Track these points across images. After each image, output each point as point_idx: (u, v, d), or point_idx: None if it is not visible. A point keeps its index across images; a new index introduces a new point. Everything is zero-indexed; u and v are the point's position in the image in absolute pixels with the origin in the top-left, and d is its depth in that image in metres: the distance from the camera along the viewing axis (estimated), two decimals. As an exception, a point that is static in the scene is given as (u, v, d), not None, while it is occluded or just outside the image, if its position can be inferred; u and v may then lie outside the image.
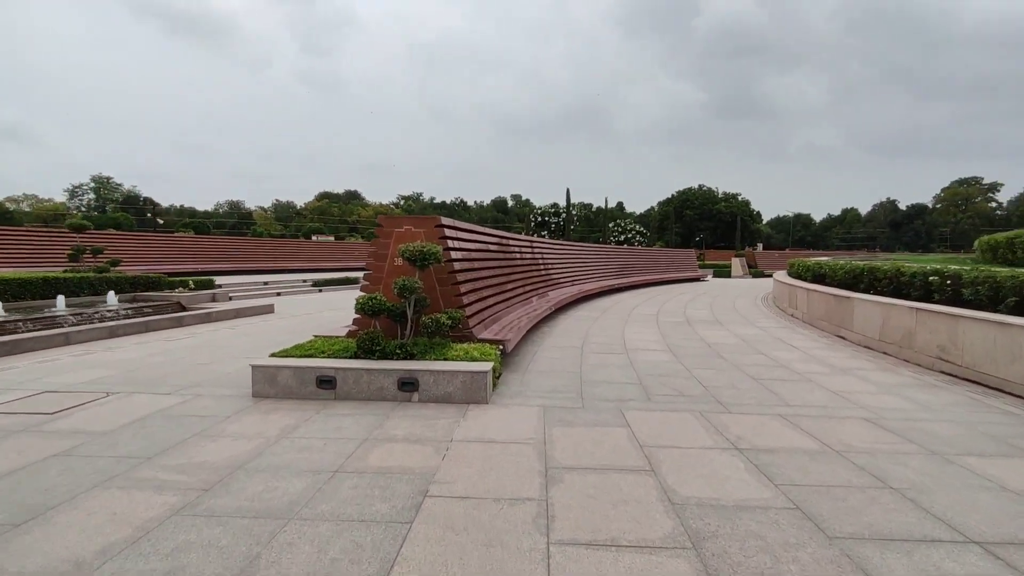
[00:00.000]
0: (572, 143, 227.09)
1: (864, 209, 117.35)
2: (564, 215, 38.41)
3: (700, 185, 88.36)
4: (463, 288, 6.94)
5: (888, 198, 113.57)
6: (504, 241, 10.39)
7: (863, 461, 3.72)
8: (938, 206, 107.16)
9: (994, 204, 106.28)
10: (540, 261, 13.14)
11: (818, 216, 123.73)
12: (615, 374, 6.55)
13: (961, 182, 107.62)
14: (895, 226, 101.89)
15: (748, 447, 3.97)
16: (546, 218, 39.70)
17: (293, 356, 5.66)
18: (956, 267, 7.78)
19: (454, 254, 7.03)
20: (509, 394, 5.44)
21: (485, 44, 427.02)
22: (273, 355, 5.73)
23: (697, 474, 3.47)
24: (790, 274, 16.25)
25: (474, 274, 7.76)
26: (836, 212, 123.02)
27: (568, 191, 36.50)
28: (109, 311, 10.60)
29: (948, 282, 7.26)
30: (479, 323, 7.22)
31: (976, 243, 27.82)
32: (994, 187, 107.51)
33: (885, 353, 7.91)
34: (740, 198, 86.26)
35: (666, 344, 8.67)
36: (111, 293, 11.84)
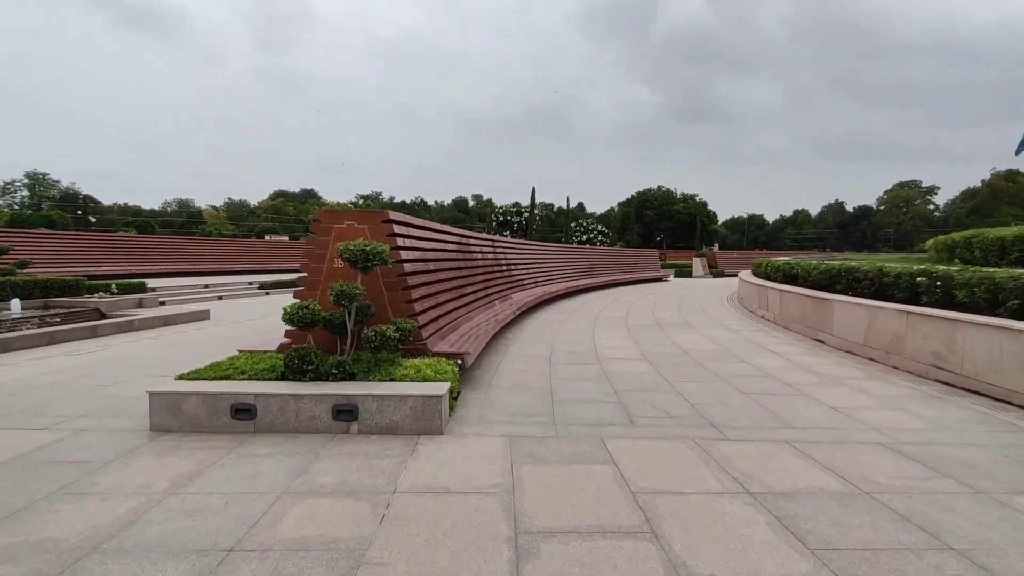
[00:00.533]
0: (534, 144, 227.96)
1: (814, 210, 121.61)
2: (527, 214, 37.73)
3: (659, 186, 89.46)
4: (416, 294, 6.03)
5: (836, 200, 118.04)
6: (464, 240, 9.53)
7: (902, 507, 3.05)
8: (881, 208, 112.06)
9: (932, 206, 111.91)
10: (503, 262, 12.34)
11: (771, 217, 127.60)
12: (590, 389, 5.80)
13: (902, 185, 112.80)
14: (843, 227, 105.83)
15: (762, 490, 3.26)
16: (508, 217, 38.96)
17: (206, 378, 4.66)
18: (943, 267, 7.38)
19: (405, 254, 6.11)
20: (469, 420, 4.60)
21: (447, 43, 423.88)
22: (180, 377, 4.71)
23: (710, 535, 2.72)
24: (756, 274, 15.97)
25: (429, 277, 6.86)
26: (788, 213, 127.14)
27: (533, 189, 35.99)
28: (8, 320, 9.21)
29: (938, 283, 6.82)
30: (434, 333, 6.34)
31: (930, 242, 28.57)
32: (932, 190, 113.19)
33: (871, 359, 7.44)
34: (698, 199, 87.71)
35: (640, 352, 8.00)
36: (15, 299, 10.38)
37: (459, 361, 5.53)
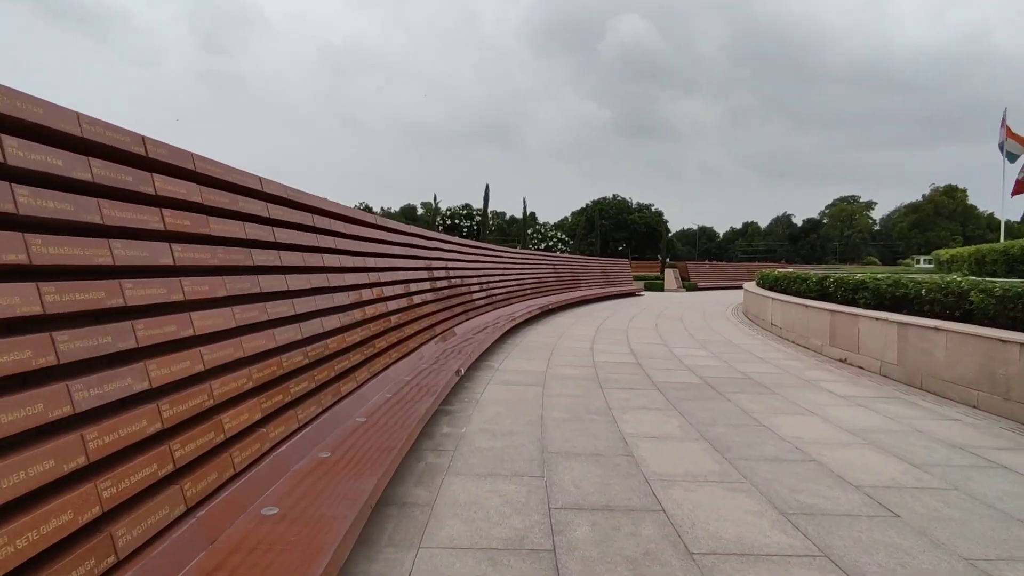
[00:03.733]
0: (483, 155, 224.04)
1: (763, 223, 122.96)
2: (479, 217, 32.94)
3: (614, 195, 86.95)
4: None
5: (784, 213, 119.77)
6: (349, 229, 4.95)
7: None
8: (825, 221, 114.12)
9: (871, 220, 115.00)
10: (440, 271, 7.77)
11: (720, 229, 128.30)
12: None
13: (842, 199, 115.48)
14: (793, 239, 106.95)
15: None
16: (457, 221, 34.21)
17: None
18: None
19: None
20: None
21: (396, 52, 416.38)
22: None
23: None
24: (783, 291, 12.02)
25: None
26: (733, 226, 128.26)
27: (487, 187, 31.01)
28: None
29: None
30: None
31: (934, 254, 26.03)
32: (869, 205, 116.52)
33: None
34: (653, 209, 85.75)
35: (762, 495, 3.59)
36: None
37: None
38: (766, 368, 7.44)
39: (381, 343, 4.57)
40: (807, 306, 9.45)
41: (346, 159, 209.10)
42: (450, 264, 8.20)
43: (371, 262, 4.90)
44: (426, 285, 6.68)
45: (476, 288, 9.52)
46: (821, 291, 10.02)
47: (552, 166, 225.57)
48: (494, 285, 10.95)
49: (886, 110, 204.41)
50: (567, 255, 22.25)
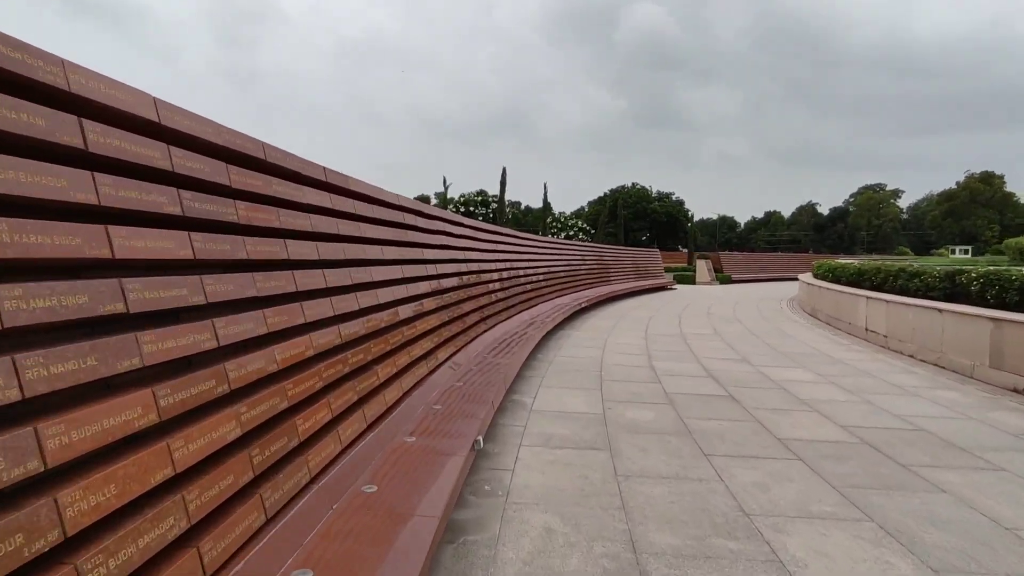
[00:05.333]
0: (500, 146, 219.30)
1: (786, 213, 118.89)
2: (495, 204, 30.24)
3: (633, 183, 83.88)
4: None
5: (809, 202, 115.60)
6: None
7: None
8: (852, 210, 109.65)
9: (899, 209, 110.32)
10: (463, 270, 5.54)
11: (741, 219, 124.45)
12: None
13: (868, 188, 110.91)
14: (819, 229, 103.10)
15: None
16: (472, 208, 31.62)
17: None
18: None
19: None
20: None
21: (414, 44, 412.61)
22: None
23: None
24: (878, 288, 9.61)
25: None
26: (754, 216, 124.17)
27: (504, 171, 28.23)
28: None
29: None
30: None
31: (1005, 243, 23.26)
32: (896, 193, 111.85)
33: None
34: (674, 197, 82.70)
35: None
36: None
37: None
38: (924, 408, 5.10)
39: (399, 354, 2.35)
40: (939, 310, 7.05)
41: (362, 149, 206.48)
42: (469, 256, 5.95)
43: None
44: (426, 287, 4.43)
45: (496, 286, 7.27)
46: (950, 288, 7.62)
47: (568, 156, 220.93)
48: (516, 281, 8.68)
49: (909, 96, 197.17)
50: (596, 245, 19.89)
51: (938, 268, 8.23)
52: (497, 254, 7.73)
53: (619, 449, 3.78)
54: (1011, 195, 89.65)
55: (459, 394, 3.73)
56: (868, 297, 9.25)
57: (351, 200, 3.29)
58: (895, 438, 4.14)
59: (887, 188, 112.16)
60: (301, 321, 2.34)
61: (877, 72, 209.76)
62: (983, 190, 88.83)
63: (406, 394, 3.39)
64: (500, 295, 7.36)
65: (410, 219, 4.44)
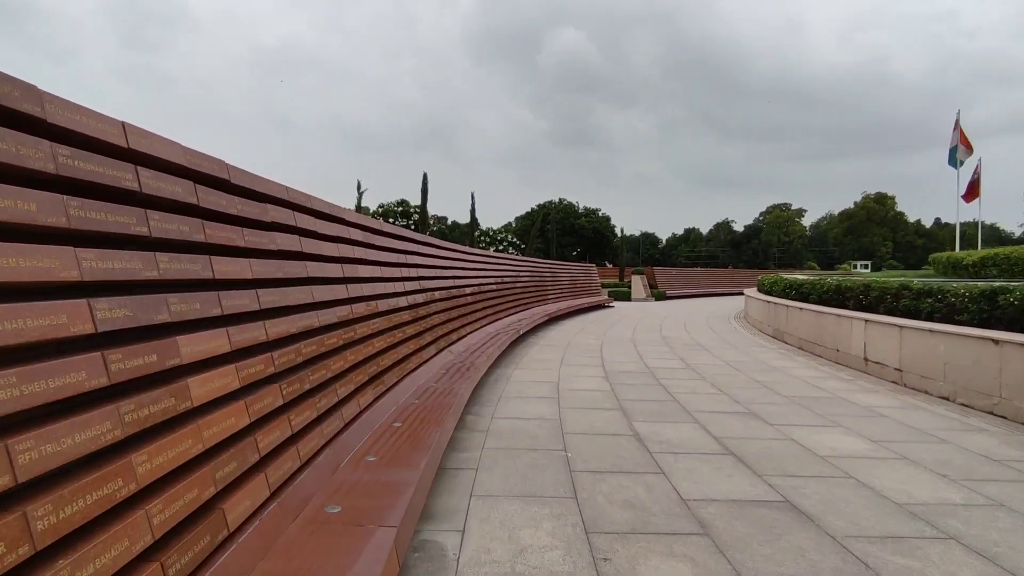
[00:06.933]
0: (422, 161, 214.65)
1: (702, 230, 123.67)
2: (417, 215, 27.60)
3: (560, 199, 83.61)
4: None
5: (726, 219, 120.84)
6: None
7: None
8: (764, 227, 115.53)
9: (804, 226, 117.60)
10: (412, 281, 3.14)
11: (662, 235, 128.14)
12: None
13: (776, 207, 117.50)
14: (735, 245, 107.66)
15: None
16: (391, 219, 28.90)
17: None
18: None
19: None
20: None
21: (333, 56, 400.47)
22: None
23: None
24: (868, 309, 8.06)
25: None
26: (676, 232, 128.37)
27: (425, 176, 25.64)
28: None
29: None
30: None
31: (932, 257, 23.44)
32: (800, 212, 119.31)
33: None
34: (600, 213, 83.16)
35: None
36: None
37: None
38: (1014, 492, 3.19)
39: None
40: (996, 341, 5.37)
41: (278, 161, 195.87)
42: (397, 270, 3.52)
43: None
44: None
45: (407, 316, 4.84)
46: (989, 312, 6.02)
47: (492, 172, 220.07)
48: (431, 309, 6.28)
49: (806, 124, 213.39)
50: (532, 259, 17.79)
51: (955, 284, 6.68)
52: (405, 268, 5.30)
53: None
54: (901, 214, 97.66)
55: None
56: (867, 320, 7.62)
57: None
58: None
59: (792, 207, 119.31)
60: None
61: (777, 101, 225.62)
62: (878, 210, 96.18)
63: None
64: (411, 329, 4.94)
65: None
